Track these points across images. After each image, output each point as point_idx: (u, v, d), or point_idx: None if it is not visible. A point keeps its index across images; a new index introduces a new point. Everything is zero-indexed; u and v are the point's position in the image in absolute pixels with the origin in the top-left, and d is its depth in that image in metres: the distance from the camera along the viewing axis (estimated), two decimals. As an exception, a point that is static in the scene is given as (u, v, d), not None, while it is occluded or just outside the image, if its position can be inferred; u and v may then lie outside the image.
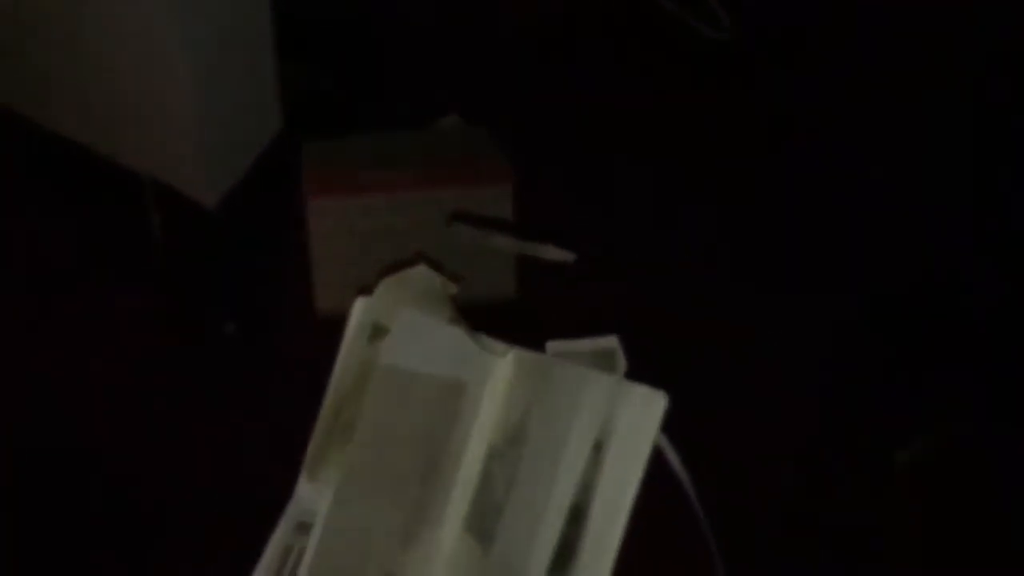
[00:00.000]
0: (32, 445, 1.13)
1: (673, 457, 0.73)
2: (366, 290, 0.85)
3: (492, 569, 0.67)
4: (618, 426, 0.67)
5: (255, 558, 0.85)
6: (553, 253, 0.93)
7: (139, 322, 1.24)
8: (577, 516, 0.66)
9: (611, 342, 0.76)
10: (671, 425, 0.72)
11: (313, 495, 0.76)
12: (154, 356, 1.22)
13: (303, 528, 0.75)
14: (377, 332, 0.78)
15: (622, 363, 0.76)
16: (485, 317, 0.86)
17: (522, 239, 1.07)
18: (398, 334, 0.76)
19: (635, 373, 0.74)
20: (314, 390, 1.21)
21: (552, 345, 0.78)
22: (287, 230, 1.29)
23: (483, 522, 0.70)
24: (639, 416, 0.67)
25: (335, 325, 1.24)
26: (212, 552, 0.96)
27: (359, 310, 0.80)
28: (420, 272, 0.81)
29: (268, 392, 1.20)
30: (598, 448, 0.67)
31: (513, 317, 1.07)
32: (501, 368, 0.73)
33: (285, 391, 1.19)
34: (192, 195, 1.27)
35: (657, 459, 0.70)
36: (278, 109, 1.33)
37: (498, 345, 0.77)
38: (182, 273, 1.29)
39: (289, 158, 1.29)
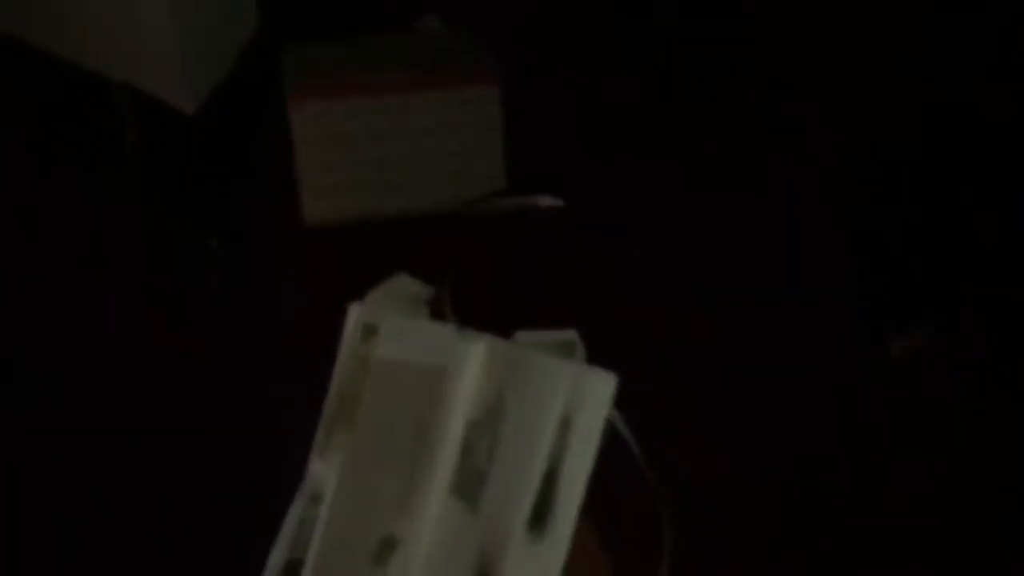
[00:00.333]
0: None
1: (622, 426, 0.82)
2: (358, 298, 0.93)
3: (479, 527, 0.80)
4: (581, 403, 0.81)
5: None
6: (544, 201, 0.99)
7: (123, 240, 1.22)
8: (550, 478, 0.79)
9: (571, 335, 0.85)
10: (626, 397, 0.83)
11: (323, 472, 0.86)
12: (139, 272, 1.20)
13: (316, 500, 0.85)
14: (368, 332, 0.88)
15: (581, 351, 0.85)
16: (460, 309, 0.95)
17: (513, 195, 1.11)
18: (387, 332, 0.87)
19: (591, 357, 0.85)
20: (304, 302, 1.20)
21: (520, 335, 0.85)
22: (269, 137, 1.26)
23: (468, 486, 0.82)
24: (596, 394, 0.81)
25: (324, 236, 1.22)
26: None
27: (353, 314, 0.87)
28: (402, 280, 0.89)
29: (257, 304, 1.18)
30: (566, 423, 0.80)
31: (484, 310, 1.12)
32: (475, 354, 0.85)
33: (274, 301, 1.17)
34: (170, 101, 1.22)
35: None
36: (255, 9, 1.29)
37: (472, 334, 0.86)
38: (161, 187, 1.26)
39: (269, 63, 1.25)
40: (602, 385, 0.76)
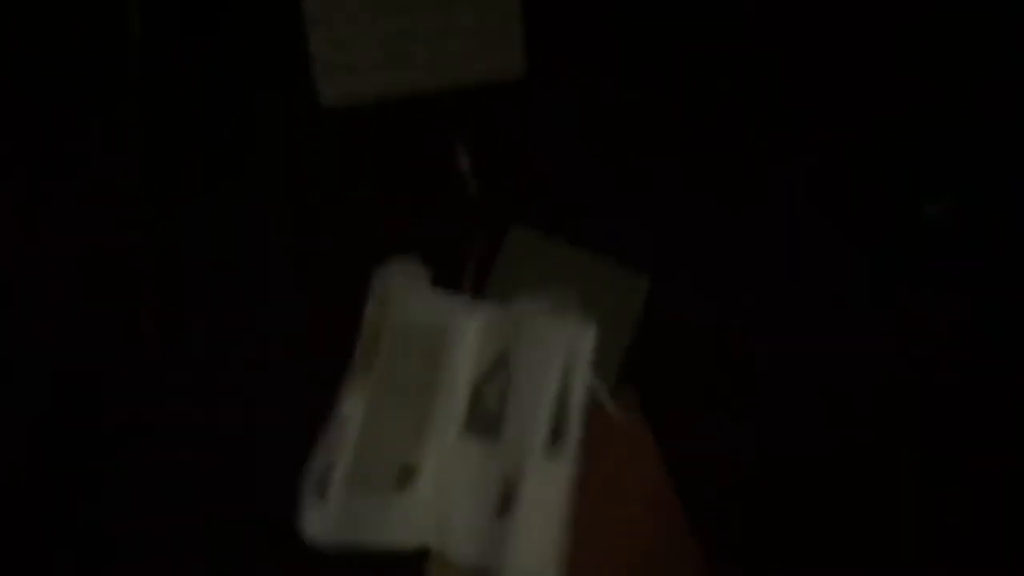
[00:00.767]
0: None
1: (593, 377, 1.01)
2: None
3: (500, 456, 0.96)
4: (575, 351, 1.00)
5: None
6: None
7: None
8: (560, 408, 0.97)
9: (567, 293, 1.04)
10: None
11: (349, 407, 1.04)
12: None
13: (344, 426, 1.03)
14: (382, 301, 1.07)
15: (575, 303, 1.04)
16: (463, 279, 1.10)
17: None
18: (399, 298, 1.06)
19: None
20: (322, 185, 1.15)
21: (520, 301, 1.05)
22: (280, 16, 1.20)
23: (483, 425, 1.00)
24: (586, 343, 1.01)
25: (341, 116, 1.17)
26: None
27: (375, 282, 1.08)
28: (407, 262, 1.09)
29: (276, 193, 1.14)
30: (567, 367, 0.99)
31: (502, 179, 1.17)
32: (477, 316, 1.05)
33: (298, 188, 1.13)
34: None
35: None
36: None
37: (471, 304, 1.09)
38: (165, 78, 1.20)
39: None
40: (588, 335, 0.98)
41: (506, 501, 0.93)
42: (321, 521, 0.99)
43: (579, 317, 0.99)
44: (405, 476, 1.00)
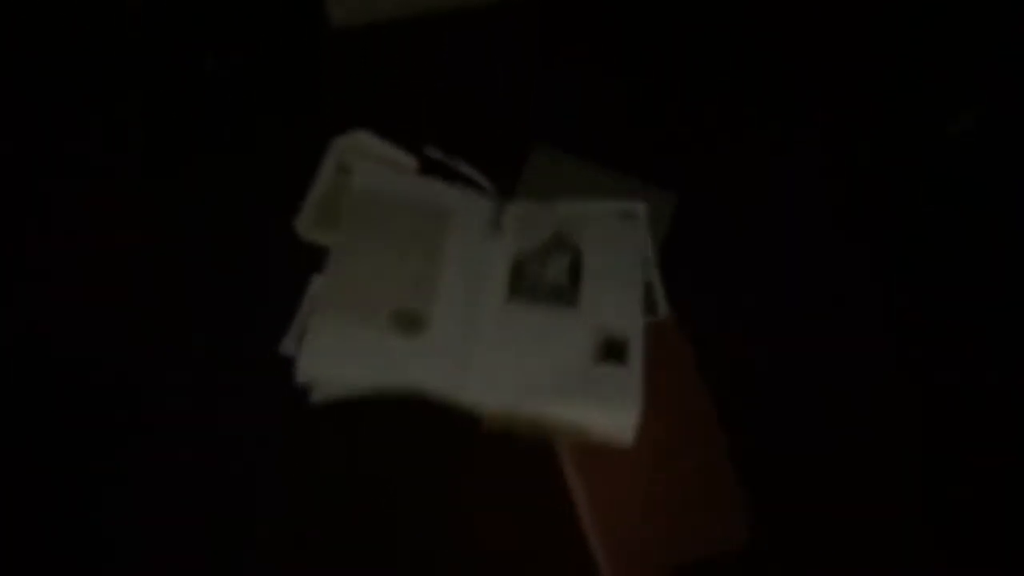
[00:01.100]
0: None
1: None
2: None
3: (584, 317, 1.08)
4: (648, 239, 1.13)
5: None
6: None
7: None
8: (645, 267, 1.11)
9: (638, 207, 1.17)
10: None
11: (316, 284, 1.12)
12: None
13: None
14: (343, 169, 1.14)
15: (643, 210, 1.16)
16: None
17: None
18: (371, 169, 1.15)
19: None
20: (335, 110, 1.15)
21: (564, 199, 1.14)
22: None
23: (541, 293, 1.10)
24: (649, 219, 1.15)
25: (351, 39, 1.15)
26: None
27: (333, 150, 1.15)
28: (365, 135, 1.15)
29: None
30: (645, 255, 1.12)
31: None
32: (511, 208, 1.15)
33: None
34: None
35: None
36: None
37: (493, 189, 1.17)
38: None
39: None
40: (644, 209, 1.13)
41: (609, 350, 1.05)
42: (312, 355, 1.05)
43: (643, 208, 1.14)
44: (409, 322, 1.07)
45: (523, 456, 1.06)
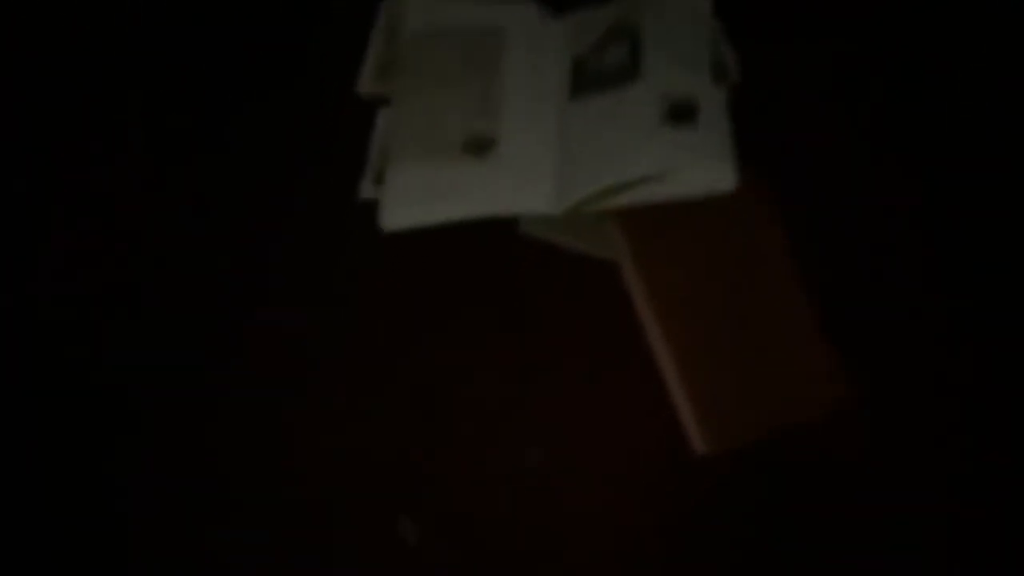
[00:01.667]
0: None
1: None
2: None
3: (649, 88, 1.05)
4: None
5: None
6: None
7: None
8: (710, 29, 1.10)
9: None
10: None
11: (382, 119, 1.13)
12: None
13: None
14: (391, 28, 1.15)
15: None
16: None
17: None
18: (416, 10, 1.15)
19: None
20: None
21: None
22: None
23: (604, 81, 1.08)
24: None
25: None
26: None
27: (383, 14, 1.15)
28: None
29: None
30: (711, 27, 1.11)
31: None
32: (567, 15, 1.14)
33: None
34: None
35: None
36: None
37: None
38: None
39: None
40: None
41: (679, 113, 1.04)
42: (396, 203, 1.05)
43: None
44: (481, 146, 1.07)
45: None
